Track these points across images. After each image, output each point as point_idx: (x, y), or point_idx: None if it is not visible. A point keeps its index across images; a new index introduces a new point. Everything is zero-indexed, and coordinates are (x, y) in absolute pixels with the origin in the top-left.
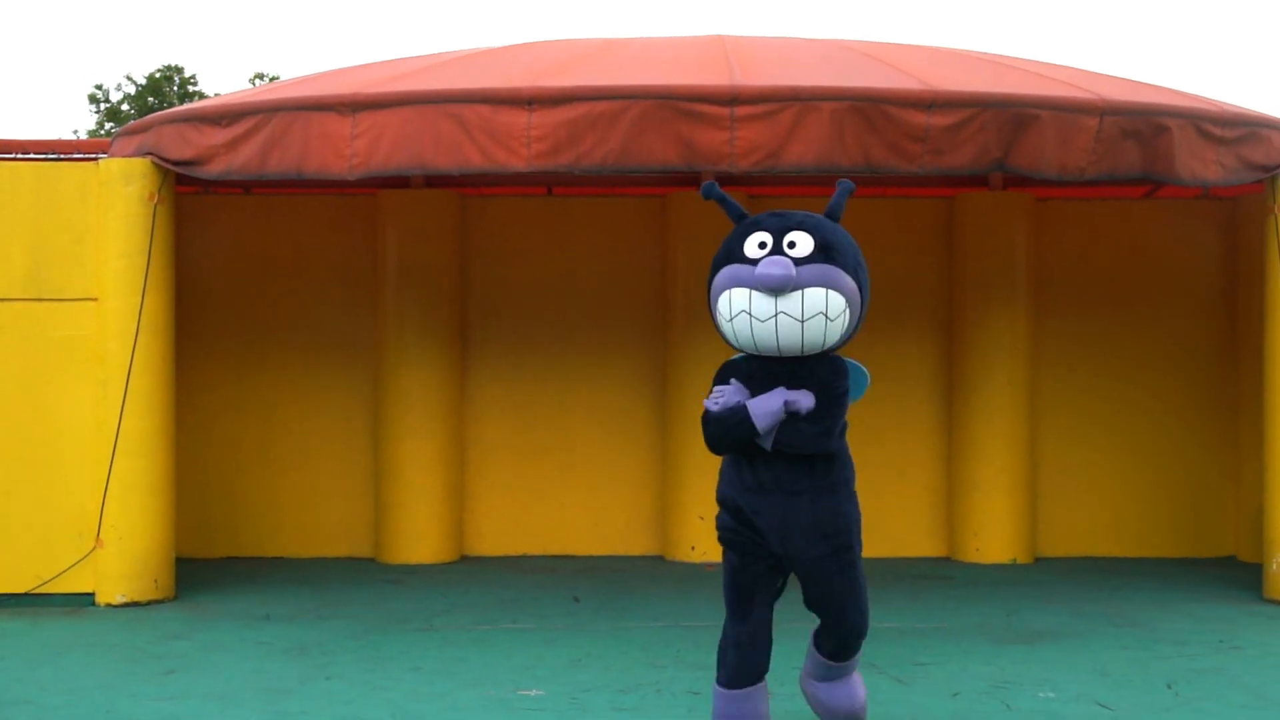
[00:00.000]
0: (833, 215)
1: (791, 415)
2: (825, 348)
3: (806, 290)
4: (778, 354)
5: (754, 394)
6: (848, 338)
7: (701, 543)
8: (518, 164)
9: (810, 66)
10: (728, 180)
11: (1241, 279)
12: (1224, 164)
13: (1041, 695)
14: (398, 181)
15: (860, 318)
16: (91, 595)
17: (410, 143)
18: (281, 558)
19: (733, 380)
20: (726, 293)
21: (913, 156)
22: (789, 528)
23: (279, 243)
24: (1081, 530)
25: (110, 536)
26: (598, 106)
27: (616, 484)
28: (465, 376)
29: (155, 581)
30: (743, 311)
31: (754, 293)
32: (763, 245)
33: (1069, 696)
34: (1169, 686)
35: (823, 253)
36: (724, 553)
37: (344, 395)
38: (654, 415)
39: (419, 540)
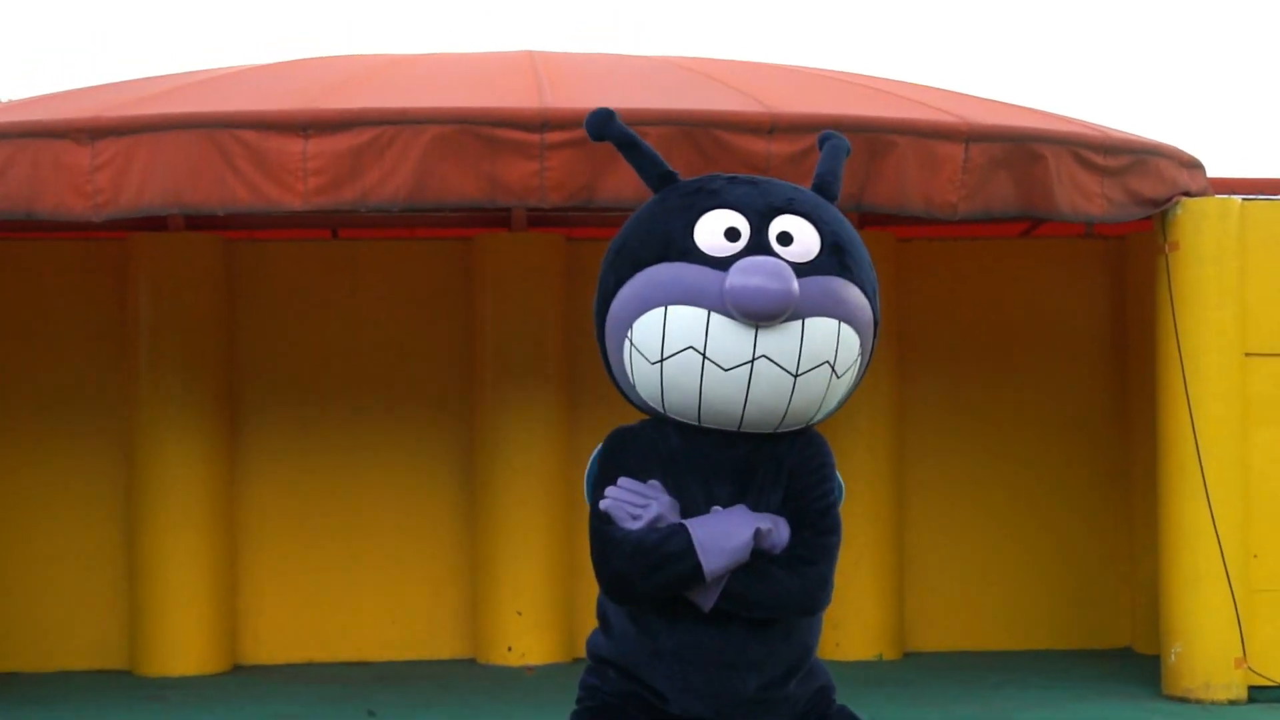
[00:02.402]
0: (828, 191)
1: (756, 554)
2: (811, 421)
3: (808, 321)
4: (735, 428)
5: (682, 498)
6: (838, 407)
7: (519, 642)
8: (293, 201)
9: (633, 86)
10: (539, 220)
11: (1131, 330)
12: (1109, 197)
13: None
14: (153, 223)
15: (863, 372)
16: None
17: (163, 176)
18: (15, 672)
19: (653, 482)
20: (660, 311)
21: None
22: (724, 706)
23: (12, 295)
24: (956, 621)
25: None
26: (386, 132)
27: (418, 576)
28: (235, 453)
29: None
30: (690, 348)
31: (716, 317)
32: (733, 235)
33: None
34: None
35: (834, 255)
36: None
37: (90, 475)
38: (460, 495)
39: (183, 648)
